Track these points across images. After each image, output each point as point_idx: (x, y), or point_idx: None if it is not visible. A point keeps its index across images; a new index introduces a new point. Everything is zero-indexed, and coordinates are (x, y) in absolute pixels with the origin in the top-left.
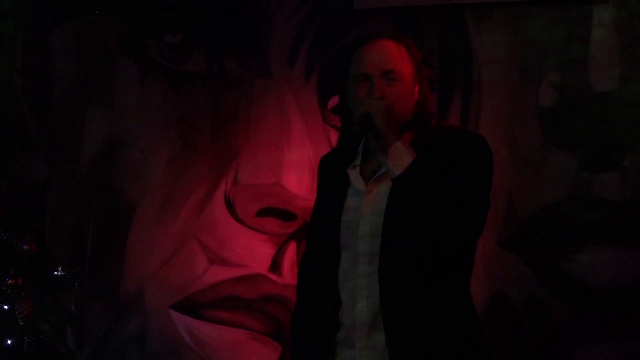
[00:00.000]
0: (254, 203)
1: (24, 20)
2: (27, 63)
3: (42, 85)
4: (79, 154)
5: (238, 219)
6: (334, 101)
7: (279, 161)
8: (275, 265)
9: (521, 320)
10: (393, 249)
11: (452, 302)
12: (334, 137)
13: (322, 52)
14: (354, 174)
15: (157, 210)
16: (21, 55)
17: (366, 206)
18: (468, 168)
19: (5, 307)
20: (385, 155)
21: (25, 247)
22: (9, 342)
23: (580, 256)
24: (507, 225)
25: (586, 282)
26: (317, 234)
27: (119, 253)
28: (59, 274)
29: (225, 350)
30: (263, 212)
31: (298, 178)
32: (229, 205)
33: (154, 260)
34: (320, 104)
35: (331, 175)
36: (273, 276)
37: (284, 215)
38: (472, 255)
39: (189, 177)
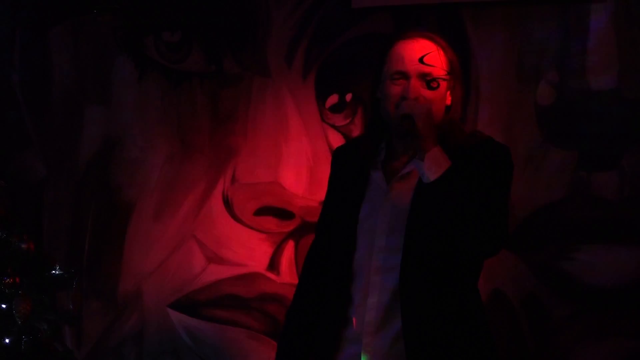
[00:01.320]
0: (252, 202)
1: (22, 18)
2: (24, 61)
3: (40, 83)
4: (77, 152)
5: (236, 218)
6: (332, 100)
7: (277, 160)
8: (274, 264)
9: (519, 318)
10: (416, 247)
11: (465, 303)
12: (332, 135)
13: (320, 51)
14: (376, 172)
15: (155, 209)
16: (19, 54)
17: (387, 203)
18: (494, 177)
19: (3, 306)
20: (421, 159)
21: (23, 246)
22: (7, 341)
23: (578, 255)
24: None
25: (584, 280)
26: (331, 228)
27: (117, 252)
28: (57, 272)
29: (223, 349)
30: (261, 211)
31: (296, 177)
32: (227, 204)
33: (152, 259)
34: (318, 103)
35: (348, 169)
36: (271, 275)
37: (282, 214)
38: (479, 266)
39: (187, 175)
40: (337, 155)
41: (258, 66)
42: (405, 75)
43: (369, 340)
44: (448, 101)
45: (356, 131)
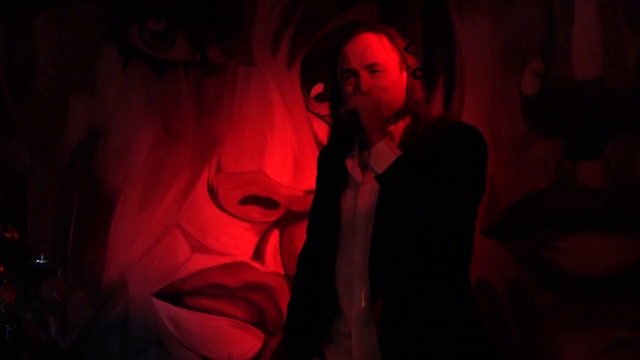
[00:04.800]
0: (236, 191)
1: (6, 7)
2: (9, 50)
3: (24, 72)
4: (61, 141)
5: (221, 207)
6: (317, 89)
7: (262, 149)
8: (258, 253)
9: (503, 307)
10: (383, 241)
11: (445, 294)
12: (317, 125)
13: (305, 41)
14: (351, 165)
15: (140, 198)
16: (3, 43)
17: (362, 197)
18: (459, 160)
19: None
20: (369, 152)
21: (7, 235)
22: None
23: (562, 244)
24: (489, 213)
25: (568, 269)
26: (317, 224)
27: (102, 241)
28: (42, 261)
29: (208, 338)
30: (246, 200)
31: (281, 166)
32: (212, 193)
33: (137, 248)
34: (303, 92)
35: (330, 167)
36: (256, 264)
37: (267, 203)
38: (466, 246)
39: (172, 165)
40: (321, 156)
41: (243, 55)
42: (353, 72)
43: (359, 333)
44: (404, 84)
45: None
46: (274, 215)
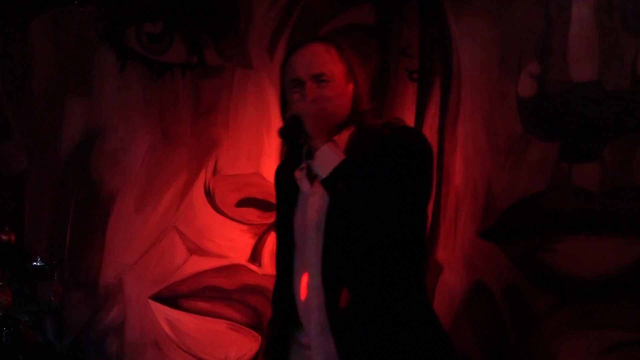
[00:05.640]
0: (233, 193)
1: (3, 9)
2: (5, 52)
3: (21, 75)
4: (58, 144)
5: (218, 210)
6: None
7: (259, 151)
8: (255, 256)
9: (500, 310)
10: (335, 250)
11: (400, 297)
12: None
13: (302, 43)
14: (300, 177)
15: (137, 201)
16: (0, 45)
17: (311, 208)
18: (403, 162)
19: None
20: (312, 158)
21: (3, 237)
22: None
23: (559, 246)
24: (486, 216)
25: (565, 272)
26: (278, 240)
27: (99, 243)
28: (38, 264)
29: (205, 341)
30: (243, 203)
31: None
32: (209, 195)
33: (134, 251)
34: None
35: (285, 183)
36: (253, 266)
37: (264, 205)
38: (418, 248)
39: (169, 167)
40: (277, 174)
41: (240, 57)
42: (299, 82)
43: (318, 342)
44: (351, 95)
45: None
46: (271, 218)
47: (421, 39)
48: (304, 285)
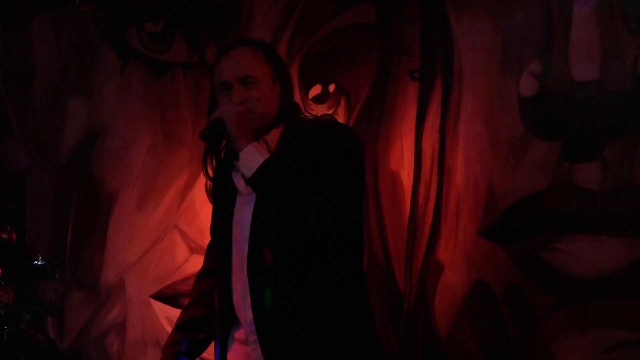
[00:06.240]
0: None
1: (4, 8)
2: (6, 52)
3: (22, 74)
4: (59, 143)
5: None
6: (314, 91)
7: None
8: None
9: (501, 309)
10: (260, 248)
11: (330, 295)
12: None
13: (302, 42)
14: (236, 177)
15: (138, 200)
16: (0, 45)
17: (247, 206)
18: (330, 157)
19: None
20: (237, 159)
21: (5, 236)
22: None
23: (560, 245)
24: (487, 215)
25: (567, 271)
26: (214, 239)
27: (100, 242)
28: (39, 263)
29: None
30: None
31: None
32: (210, 194)
33: (135, 250)
34: (301, 94)
35: (221, 184)
36: None
37: None
38: (351, 245)
39: (170, 166)
40: (214, 176)
41: None
42: (227, 85)
43: (253, 339)
44: (278, 95)
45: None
46: None
47: (422, 38)
48: (241, 282)
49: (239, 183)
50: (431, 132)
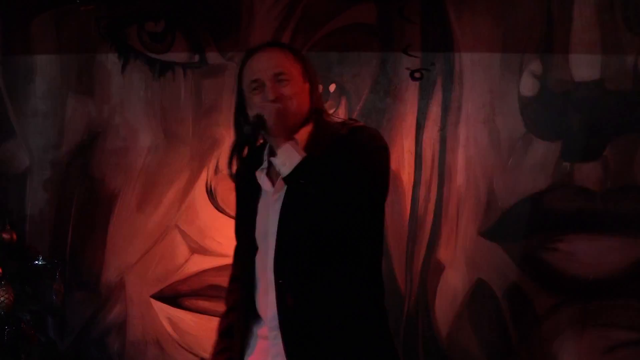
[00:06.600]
0: (235, 192)
1: (4, 8)
2: (7, 51)
3: (23, 73)
4: (60, 143)
5: (219, 209)
6: None
7: None
8: None
9: (502, 309)
10: (288, 246)
11: (352, 294)
12: None
13: (303, 42)
14: (261, 176)
15: (138, 200)
16: (1, 44)
17: (273, 205)
18: (362, 160)
19: None
20: (274, 155)
21: (5, 236)
22: None
23: (561, 245)
24: (488, 215)
25: (567, 271)
26: (238, 239)
27: (100, 242)
28: (40, 263)
29: (206, 339)
30: None
31: None
32: (211, 194)
33: (135, 250)
34: None
35: (245, 183)
36: None
37: None
38: (374, 245)
39: (170, 166)
40: (237, 175)
41: (241, 57)
42: (260, 82)
43: (274, 334)
44: (308, 94)
45: None
46: None
47: (423, 38)
48: (264, 279)
49: (264, 183)
50: (431, 132)
